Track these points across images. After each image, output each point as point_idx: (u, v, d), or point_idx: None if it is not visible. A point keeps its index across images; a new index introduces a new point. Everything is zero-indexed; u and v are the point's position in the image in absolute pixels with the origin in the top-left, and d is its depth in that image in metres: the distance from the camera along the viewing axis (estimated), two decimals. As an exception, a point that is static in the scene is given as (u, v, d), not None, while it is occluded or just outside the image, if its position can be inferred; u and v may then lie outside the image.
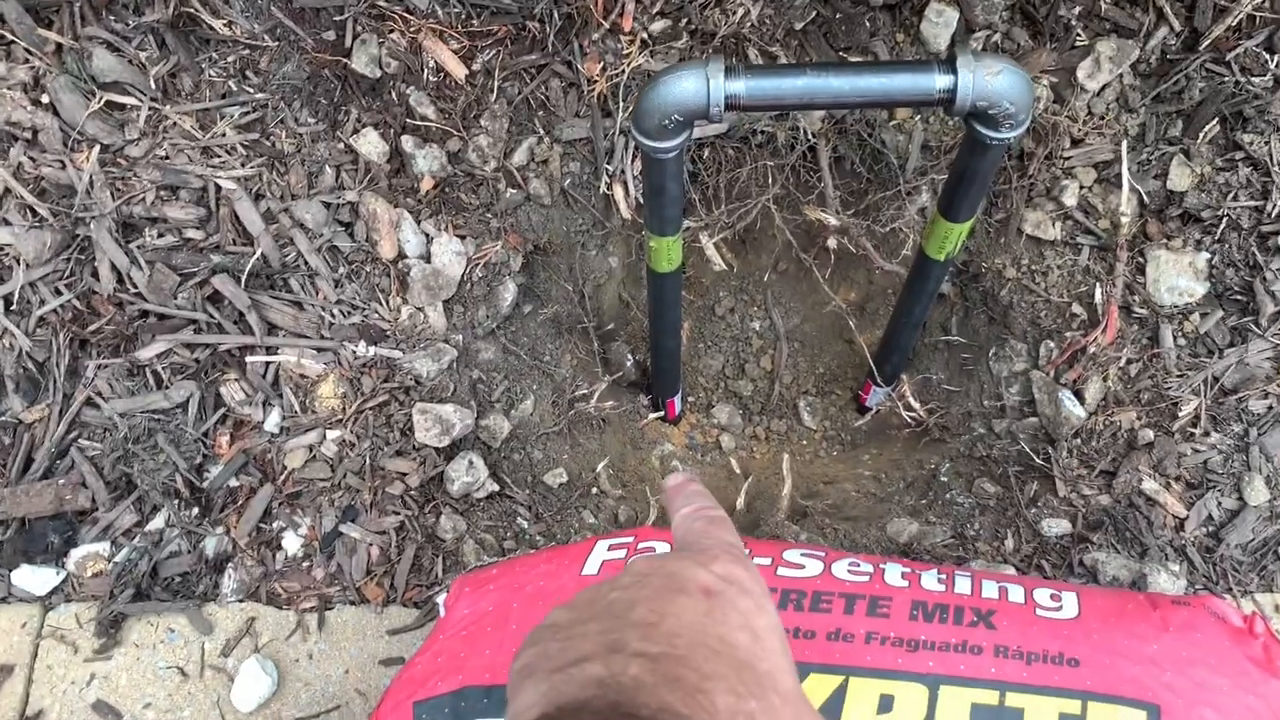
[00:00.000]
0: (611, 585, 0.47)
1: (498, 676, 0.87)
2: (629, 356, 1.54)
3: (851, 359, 1.59)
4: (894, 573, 0.93)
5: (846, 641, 0.85)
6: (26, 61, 1.21)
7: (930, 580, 0.92)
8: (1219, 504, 1.15)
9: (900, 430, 1.48)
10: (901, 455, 1.46)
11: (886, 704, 0.81)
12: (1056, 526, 1.19)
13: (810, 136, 1.35)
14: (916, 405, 1.41)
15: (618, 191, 1.38)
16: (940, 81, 0.88)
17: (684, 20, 1.31)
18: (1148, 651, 0.85)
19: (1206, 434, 1.18)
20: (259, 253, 1.21)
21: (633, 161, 1.35)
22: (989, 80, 0.88)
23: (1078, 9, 1.30)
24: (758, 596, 0.48)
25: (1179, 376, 1.21)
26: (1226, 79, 1.25)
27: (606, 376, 1.45)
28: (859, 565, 0.93)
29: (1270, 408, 1.16)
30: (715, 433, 1.61)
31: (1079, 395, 1.26)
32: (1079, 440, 1.24)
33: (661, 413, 1.54)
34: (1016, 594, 0.91)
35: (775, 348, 1.61)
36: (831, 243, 1.38)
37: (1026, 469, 1.27)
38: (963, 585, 0.91)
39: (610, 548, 0.98)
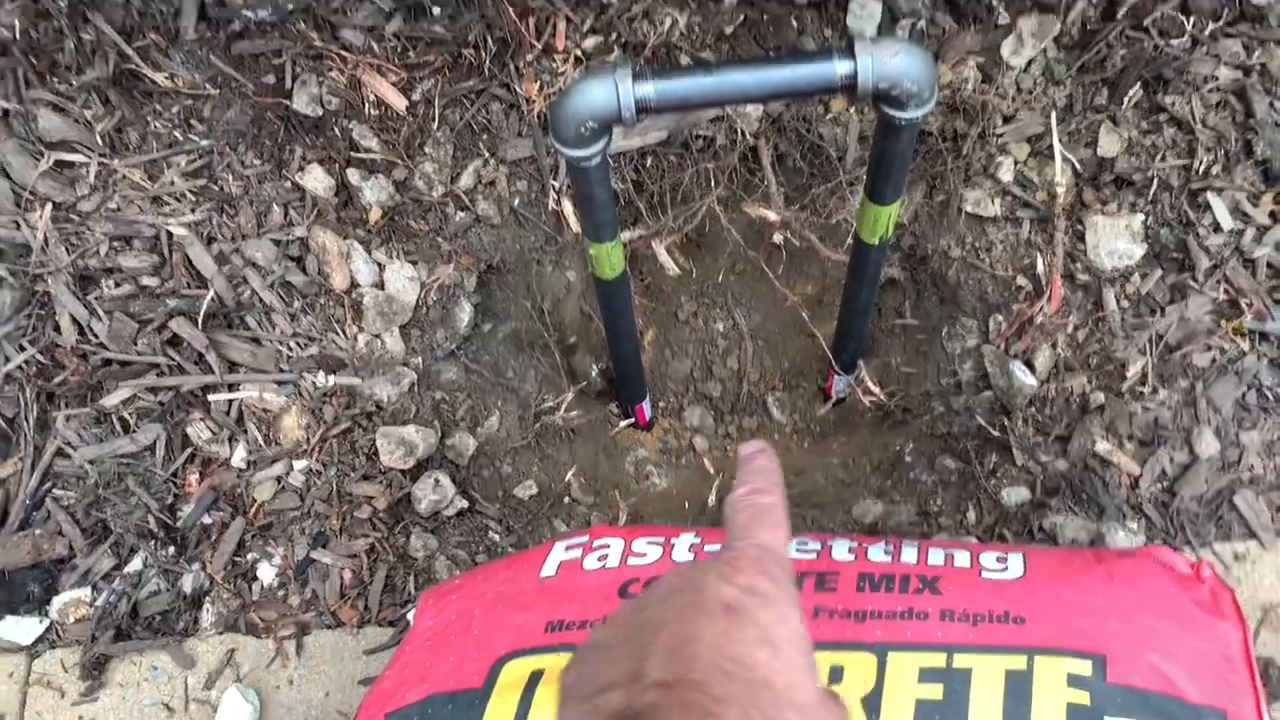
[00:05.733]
0: (644, 603, 0.50)
1: (462, 682, 0.88)
2: (593, 366, 1.56)
3: (815, 351, 1.61)
4: (841, 548, 0.94)
5: (796, 618, 0.86)
6: (-25, 129, 1.25)
7: (877, 552, 0.93)
8: (1171, 459, 1.16)
9: (864, 416, 1.50)
10: (868, 440, 1.48)
11: (836, 675, 0.82)
12: (1016, 495, 1.20)
13: (750, 137, 1.38)
14: (875, 389, 1.43)
15: (567, 207, 1.40)
16: (841, 68, 0.90)
17: (614, 35, 1.34)
18: (1093, 603, 0.86)
19: (1155, 391, 1.19)
20: (213, 293, 1.24)
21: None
22: (888, 62, 0.90)
23: (997, -11, 1.33)
24: (780, 606, 0.49)
25: (1124, 338, 1.23)
26: (1146, 44, 1.27)
27: (572, 388, 1.47)
28: (807, 543, 0.95)
29: (1213, 360, 1.18)
30: (688, 435, 1.62)
31: (1030, 365, 1.27)
32: (1033, 409, 1.26)
33: (632, 419, 1.56)
34: (963, 559, 0.92)
35: (740, 347, 1.63)
36: (777, 238, 1.41)
37: (985, 442, 1.29)
38: (909, 555, 0.93)
39: (567, 548, 0.99)
